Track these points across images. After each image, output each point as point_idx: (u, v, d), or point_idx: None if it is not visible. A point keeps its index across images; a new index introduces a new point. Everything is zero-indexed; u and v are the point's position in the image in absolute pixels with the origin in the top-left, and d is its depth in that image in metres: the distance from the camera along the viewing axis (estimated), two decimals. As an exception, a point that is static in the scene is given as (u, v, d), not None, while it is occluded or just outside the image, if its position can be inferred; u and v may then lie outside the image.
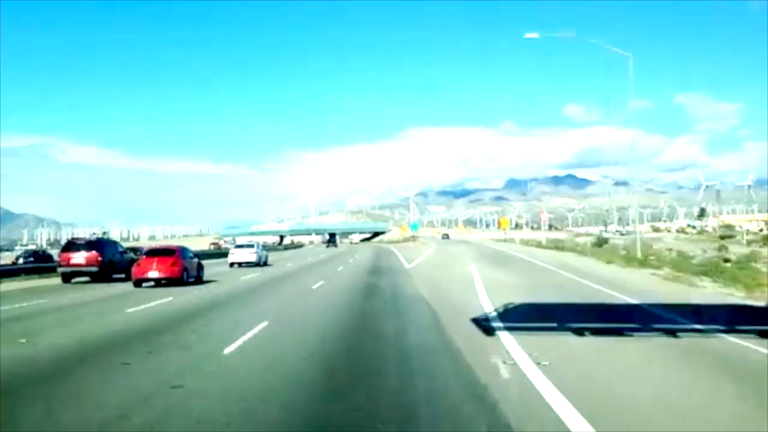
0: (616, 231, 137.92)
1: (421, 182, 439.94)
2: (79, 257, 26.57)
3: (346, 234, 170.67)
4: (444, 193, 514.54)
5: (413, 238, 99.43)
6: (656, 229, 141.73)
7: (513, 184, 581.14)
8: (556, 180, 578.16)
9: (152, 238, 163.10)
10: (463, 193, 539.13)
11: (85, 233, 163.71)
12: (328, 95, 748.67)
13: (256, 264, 37.87)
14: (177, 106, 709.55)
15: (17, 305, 16.51)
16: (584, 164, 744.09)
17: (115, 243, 32.44)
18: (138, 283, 22.55)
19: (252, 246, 42.14)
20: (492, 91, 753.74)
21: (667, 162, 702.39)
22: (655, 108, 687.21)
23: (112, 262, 26.91)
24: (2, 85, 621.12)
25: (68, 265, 26.54)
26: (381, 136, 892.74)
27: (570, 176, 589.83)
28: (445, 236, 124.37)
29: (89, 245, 28.11)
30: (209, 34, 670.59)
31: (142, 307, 15.09)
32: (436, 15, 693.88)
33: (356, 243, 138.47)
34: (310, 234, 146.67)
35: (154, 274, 22.80)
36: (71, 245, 28.63)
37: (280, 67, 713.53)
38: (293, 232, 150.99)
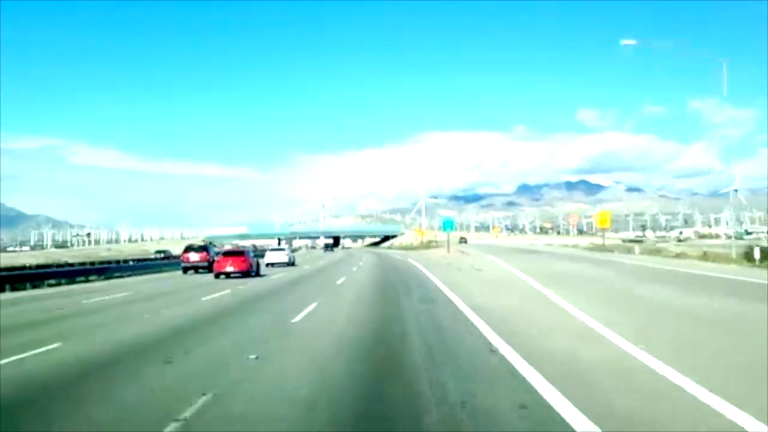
0: (669, 237, 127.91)
1: (433, 187, 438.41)
2: (195, 256, 37.41)
3: (355, 238, 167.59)
4: (455, 197, 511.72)
5: (443, 244, 69.84)
6: (702, 236, 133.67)
7: (525, 189, 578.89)
8: (569, 185, 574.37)
9: (162, 239, 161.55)
10: (475, 198, 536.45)
11: (70, 234, 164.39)
12: (341, 99, 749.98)
13: (288, 264, 44.87)
14: (189, 109, 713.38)
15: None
16: (597, 170, 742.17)
17: (214, 246, 42.61)
18: (217, 276, 29.43)
19: (283, 249, 52.44)
20: (505, 96, 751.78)
21: (681, 168, 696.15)
22: (669, 113, 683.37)
23: (214, 260, 33.98)
24: (17, 87, 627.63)
25: (188, 261, 37.25)
26: (393, 140, 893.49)
27: (582, 182, 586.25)
28: (463, 240, 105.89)
29: (201, 248, 39.87)
30: (222, 37, 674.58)
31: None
32: (450, 20, 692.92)
33: (349, 248, 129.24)
34: (318, 237, 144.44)
35: (230, 268, 29.50)
36: (189, 249, 39.76)
37: (293, 71, 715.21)
38: (302, 235, 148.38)
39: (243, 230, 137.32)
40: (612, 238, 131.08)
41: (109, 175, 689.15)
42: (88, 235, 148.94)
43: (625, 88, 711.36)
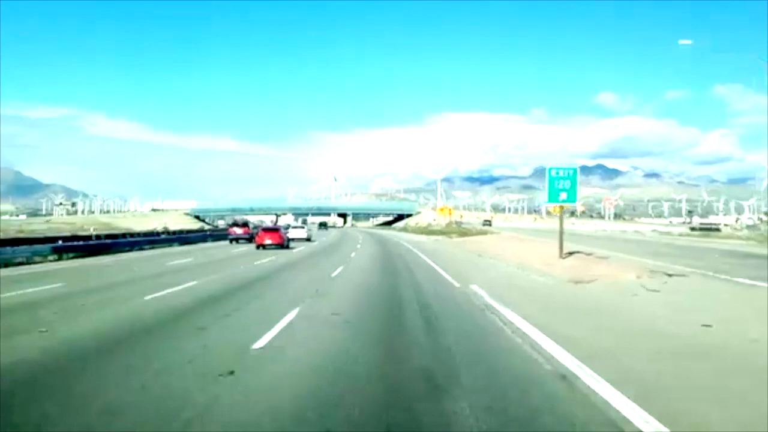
0: (737, 223, 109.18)
1: (448, 167, 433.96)
2: (239, 231, 48.86)
3: (367, 216, 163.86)
4: (470, 179, 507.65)
5: (482, 229, 64.20)
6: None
7: (541, 172, 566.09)
8: (585, 170, 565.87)
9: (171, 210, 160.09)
10: (490, 180, 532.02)
11: (52, 203, 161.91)
12: (358, 78, 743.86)
13: (307, 240, 50.84)
14: (206, 83, 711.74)
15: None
16: (614, 154, 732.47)
17: (251, 222, 55.76)
18: (258, 247, 36.75)
19: (303, 227, 60.06)
20: (524, 79, 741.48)
21: (700, 155, 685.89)
22: (691, 98, 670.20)
23: (253, 234, 44.55)
24: (35, 56, 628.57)
25: (234, 234, 48.40)
26: (410, 120, 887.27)
27: (599, 166, 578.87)
28: (487, 223, 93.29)
29: (243, 225, 52.84)
30: (242, 13, 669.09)
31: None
32: (469, 1, 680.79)
33: (340, 227, 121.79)
34: (329, 214, 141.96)
35: (268, 241, 37.19)
36: (235, 224, 53.89)
37: (311, 49, 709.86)
38: (309, 212, 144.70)
39: (193, 204, 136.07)
40: (655, 223, 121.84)
41: (125, 146, 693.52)
42: (73, 204, 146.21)
43: (647, 73, 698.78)
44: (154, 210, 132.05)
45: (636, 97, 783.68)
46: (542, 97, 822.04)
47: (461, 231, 63.01)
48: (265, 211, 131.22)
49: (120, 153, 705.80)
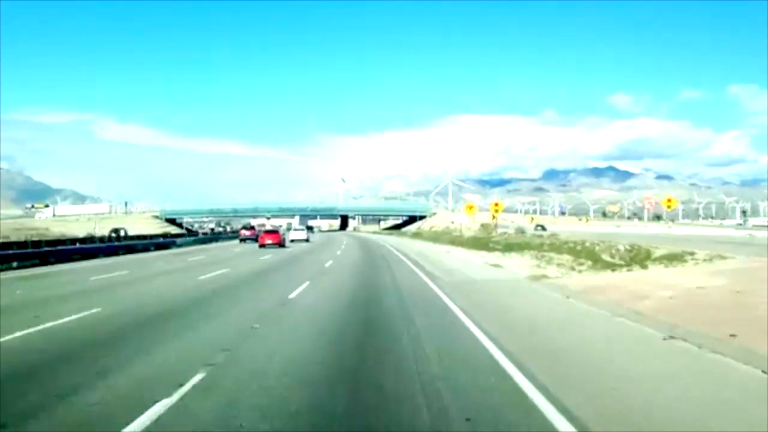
0: None
1: (458, 170, 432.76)
2: (247, 233, 61.01)
3: (377, 218, 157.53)
4: (481, 181, 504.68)
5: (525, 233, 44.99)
6: None
7: (551, 174, 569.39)
8: (596, 172, 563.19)
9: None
10: (500, 183, 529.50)
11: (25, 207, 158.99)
12: (368, 80, 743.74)
13: (305, 240, 56.50)
14: (216, 87, 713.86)
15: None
16: (626, 156, 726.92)
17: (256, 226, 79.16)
18: (261, 246, 42.88)
19: (303, 230, 65.91)
20: (535, 79, 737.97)
21: (713, 156, 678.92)
22: (705, 99, 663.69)
23: (258, 235, 52.21)
24: (45, 61, 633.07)
25: (243, 235, 60.49)
26: (420, 122, 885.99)
27: (611, 168, 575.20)
28: (540, 228, 74.37)
29: (250, 228, 68.25)
30: (250, 17, 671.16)
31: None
32: (479, 2, 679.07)
33: (319, 231, 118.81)
34: (336, 217, 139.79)
35: (269, 241, 43.67)
36: (244, 228, 69.95)
37: (320, 51, 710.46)
38: (321, 213, 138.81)
39: (176, 206, 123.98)
40: (705, 225, 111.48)
41: (135, 150, 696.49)
42: (46, 206, 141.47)
43: (661, 73, 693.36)
44: (51, 216, 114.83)
45: (649, 98, 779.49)
46: (553, 98, 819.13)
47: (587, 250, 25.35)
48: (251, 213, 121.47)
49: (130, 157, 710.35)
